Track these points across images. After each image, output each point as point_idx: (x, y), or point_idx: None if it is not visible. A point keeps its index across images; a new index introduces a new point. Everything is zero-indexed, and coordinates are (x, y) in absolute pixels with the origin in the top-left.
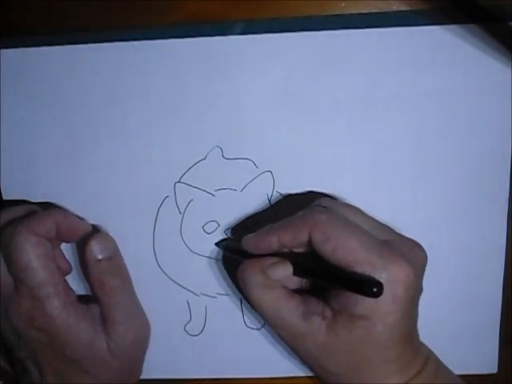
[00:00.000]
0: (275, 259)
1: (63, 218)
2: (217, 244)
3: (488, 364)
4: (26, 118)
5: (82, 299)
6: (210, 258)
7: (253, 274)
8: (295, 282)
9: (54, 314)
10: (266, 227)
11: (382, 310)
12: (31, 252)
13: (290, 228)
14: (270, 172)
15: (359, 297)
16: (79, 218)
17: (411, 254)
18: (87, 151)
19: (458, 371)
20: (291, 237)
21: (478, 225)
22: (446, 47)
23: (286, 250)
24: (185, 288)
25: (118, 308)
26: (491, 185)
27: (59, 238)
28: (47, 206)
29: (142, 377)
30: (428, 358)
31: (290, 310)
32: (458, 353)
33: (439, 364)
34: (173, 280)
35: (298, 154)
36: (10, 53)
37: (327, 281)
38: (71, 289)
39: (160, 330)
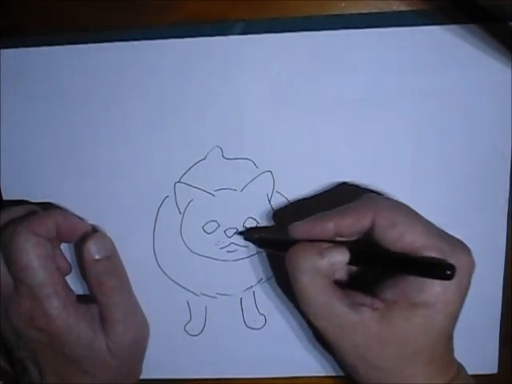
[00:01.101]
0: (331, 244)
1: (63, 218)
2: (246, 237)
3: (488, 364)
4: (25, 118)
5: (82, 299)
6: (210, 258)
7: (306, 257)
8: (339, 274)
9: (53, 314)
10: (320, 214)
11: (446, 298)
12: (31, 252)
13: (350, 214)
14: (270, 172)
15: (425, 283)
16: (79, 218)
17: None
18: (87, 151)
19: None
20: (351, 223)
21: (478, 225)
22: (446, 47)
23: (337, 239)
24: (185, 288)
25: (117, 308)
26: (491, 185)
27: (59, 238)
28: (47, 206)
29: (142, 377)
30: (459, 363)
31: (339, 300)
32: (458, 353)
33: (464, 369)
34: (173, 280)
35: (298, 154)
36: (9, 53)
37: (391, 267)
38: (71, 289)
39: (160, 330)
